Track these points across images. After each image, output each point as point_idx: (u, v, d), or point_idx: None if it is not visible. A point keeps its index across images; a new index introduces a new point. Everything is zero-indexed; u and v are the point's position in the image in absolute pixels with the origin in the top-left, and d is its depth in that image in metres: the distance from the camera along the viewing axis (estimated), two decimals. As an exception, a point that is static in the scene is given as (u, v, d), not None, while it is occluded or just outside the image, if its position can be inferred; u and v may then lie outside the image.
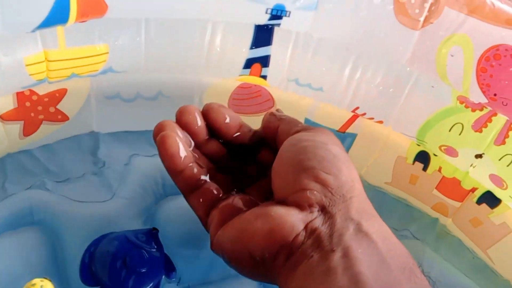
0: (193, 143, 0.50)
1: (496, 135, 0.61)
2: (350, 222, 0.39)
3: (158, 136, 0.46)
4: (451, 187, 0.68)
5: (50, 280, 0.56)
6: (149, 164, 0.65)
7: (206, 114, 0.51)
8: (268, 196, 0.47)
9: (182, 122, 0.49)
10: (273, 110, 0.54)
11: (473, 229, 0.68)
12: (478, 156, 0.63)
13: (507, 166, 0.62)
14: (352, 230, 0.39)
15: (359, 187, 0.43)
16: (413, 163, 0.68)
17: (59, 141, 0.64)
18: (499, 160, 0.62)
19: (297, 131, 0.47)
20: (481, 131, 0.62)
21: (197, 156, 0.50)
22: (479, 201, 0.67)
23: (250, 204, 0.45)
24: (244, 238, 0.41)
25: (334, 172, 0.42)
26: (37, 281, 0.55)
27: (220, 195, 0.47)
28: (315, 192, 0.41)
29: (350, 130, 0.68)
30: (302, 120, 0.70)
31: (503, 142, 0.61)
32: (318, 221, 0.40)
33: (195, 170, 0.48)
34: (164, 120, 0.48)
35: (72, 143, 0.64)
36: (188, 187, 0.47)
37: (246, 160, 0.52)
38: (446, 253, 0.69)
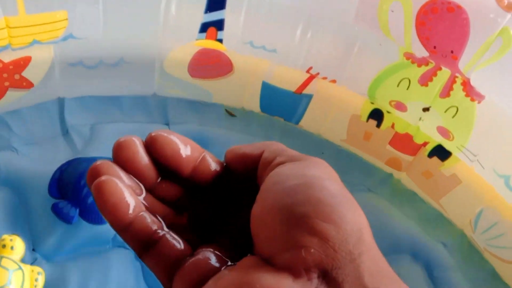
0: (143, 188, 0.38)
1: (441, 88, 0.64)
2: None
3: (93, 183, 0.35)
4: (404, 142, 0.71)
5: (19, 235, 0.59)
6: (112, 128, 0.69)
7: (151, 147, 0.38)
8: (246, 246, 0.37)
9: (121, 160, 0.37)
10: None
11: (425, 181, 0.71)
12: (426, 109, 0.66)
13: (452, 117, 0.65)
14: None
15: (369, 237, 0.32)
16: (367, 121, 0.71)
17: (27, 107, 0.67)
18: (445, 112, 0.65)
19: (281, 163, 0.36)
20: (427, 85, 0.65)
21: (147, 203, 0.38)
22: (431, 154, 0.70)
23: (224, 261, 0.36)
24: None
25: (335, 220, 0.31)
26: (6, 236, 0.58)
27: (184, 250, 0.36)
28: (312, 250, 0.30)
29: (306, 91, 0.72)
30: (259, 84, 0.74)
31: (448, 95, 0.64)
32: None
33: (148, 220, 0.36)
34: (99, 160, 0.36)
35: (39, 108, 0.67)
36: (141, 245, 0.36)
37: (213, 200, 0.41)
38: (401, 205, 0.72)
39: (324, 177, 0.34)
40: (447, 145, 0.68)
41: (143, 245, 0.36)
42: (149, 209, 0.38)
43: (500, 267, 0.67)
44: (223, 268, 0.34)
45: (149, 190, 0.39)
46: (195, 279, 0.34)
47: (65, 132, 0.67)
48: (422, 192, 0.72)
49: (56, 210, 0.63)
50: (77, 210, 0.62)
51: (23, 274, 0.57)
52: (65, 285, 0.61)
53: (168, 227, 0.38)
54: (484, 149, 0.66)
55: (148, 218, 0.36)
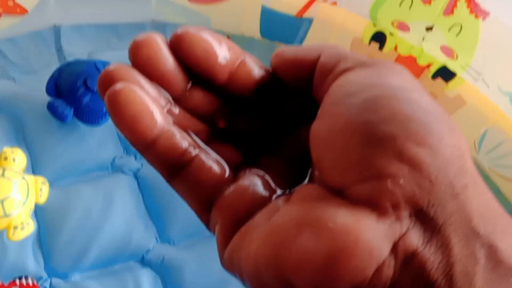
0: (169, 98, 0.31)
1: (444, 6, 0.63)
2: (475, 244, 0.23)
3: (107, 92, 0.28)
4: (407, 64, 0.70)
5: (19, 148, 0.59)
6: (110, 55, 0.68)
7: (177, 47, 0.30)
8: (301, 169, 0.30)
9: (140, 63, 0.30)
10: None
11: (429, 103, 0.70)
12: (429, 28, 0.65)
13: (456, 36, 0.64)
14: (485, 263, 0.23)
15: (472, 166, 0.25)
16: (369, 44, 0.70)
17: (22, 36, 0.66)
18: (449, 30, 0.64)
19: (347, 69, 0.28)
20: (430, 3, 0.63)
21: (174, 115, 0.31)
22: (434, 76, 0.69)
23: (275, 189, 0.29)
24: (282, 263, 0.25)
25: (431, 143, 0.24)
26: (6, 149, 0.58)
27: (223, 173, 0.30)
28: (401, 181, 0.23)
29: (306, 15, 0.70)
30: (258, 8, 0.72)
31: (451, 12, 0.63)
32: (415, 238, 0.23)
33: (177, 137, 0.29)
34: (113, 64, 0.29)
35: (34, 37, 0.66)
36: (169, 167, 0.29)
37: (256, 115, 0.33)
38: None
39: (409, 88, 0.26)
40: (451, 65, 0.67)
41: (172, 167, 0.29)
42: (177, 123, 0.30)
43: (506, 187, 0.67)
44: (273, 197, 0.28)
45: (176, 100, 0.31)
46: (240, 211, 0.28)
47: (63, 60, 0.66)
48: (425, 114, 0.71)
49: (51, 108, 0.63)
50: (72, 109, 0.62)
51: (28, 184, 0.57)
52: (65, 209, 0.61)
53: (202, 144, 0.31)
54: (488, 67, 0.65)
55: (177, 134, 0.29)
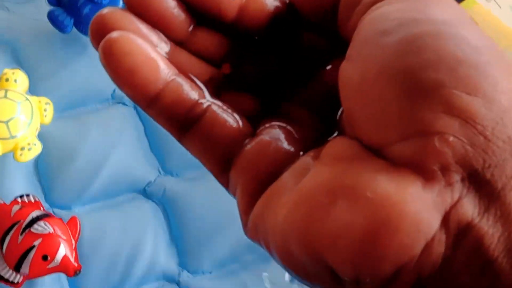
0: (168, 43, 0.27)
1: None
2: None
3: (101, 43, 0.25)
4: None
5: (20, 69, 0.59)
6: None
7: None
8: (328, 117, 0.26)
9: (135, 3, 0.26)
10: None
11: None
12: None
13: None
14: None
15: None
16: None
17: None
18: None
19: (379, 0, 0.23)
20: None
21: (179, 61, 0.27)
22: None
23: (301, 143, 0.25)
24: (314, 238, 0.21)
25: (485, 90, 0.20)
26: (7, 70, 0.57)
27: (240, 127, 0.26)
28: (451, 138, 0.19)
29: None
30: None
31: None
32: (469, 207, 0.19)
33: (184, 87, 0.26)
34: (106, 9, 0.26)
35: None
36: (178, 123, 0.26)
37: (273, 56, 0.28)
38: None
39: (456, 22, 0.21)
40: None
41: (181, 123, 0.25)
42: (183, 72, 0.26)
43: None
44: (301, 153, 0.24)
45: (179, 44, 0.27)
46: (263, 169, 0.24)
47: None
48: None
49: (51, 18, 0.62)
50: (72, 19, 0.62)
51: (31, 104, 0.57)
52: (64, 140, 0.61)
53: (213, 94, 0.27)
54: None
55: (184, 84, 0.26)
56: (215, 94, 0.27)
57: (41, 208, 0.57)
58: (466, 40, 0.20)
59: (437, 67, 0.20)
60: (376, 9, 0.23)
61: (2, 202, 0.56)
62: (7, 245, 0.53)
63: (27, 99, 0.57)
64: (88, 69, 0.64)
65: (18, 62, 0.63)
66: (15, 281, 0.53)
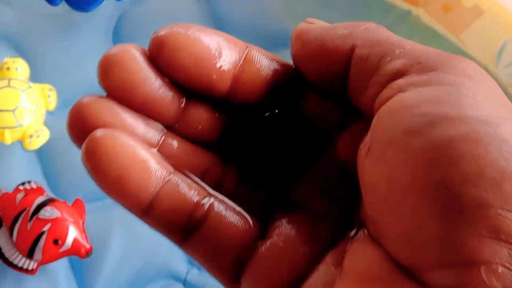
0: (158, 129, 0.24)
1: None
2: None
3: (84, 144, 0.22)
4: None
5: (21, 58, 0.58)
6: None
7: (159, 57, 0.23)
8: (344, 200, 0.24)
9: (116, 89, 0.23)
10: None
11: (445, 15, 0.68)
12: None
13: None
14: None
15: None
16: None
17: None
18: None
19: (402, 74, 0.20)
20: None
21: (171, 151, 0.24)
22: (450, -14, 0.67)
23: (318, 241, 0.22)
24: None
25: None
26: (7, 59, 0.57)
27: (249, 227, 0.23)
28: (500, 269, 0.17)
29: None
30: None
31: None
32: None
33: (182, 190, 0.23)
34: (85, 97, 0.23)
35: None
36: (179, 228, 0.23)
37: (277, 132, 0.25)
38: (420, 43, 0.70)
39: (497, 119, 0.18)
40: (468, -27, 0.65)
41: (182, 228, 0.22)
42: (178, 164, 0.23)
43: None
44: (321, 255, 0.22)
45: (170, 127, 0.24)
46: (280, 281, 0.21)
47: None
48: (442, 27, 0.69)
49: None
50: None
51: (35, 92, 0.57)
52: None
53: (214, 186, 0.23)
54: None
55: (181, 182, 0.23)
56: (215, 187, 0.23)
57: (44, 193, 0.57)
58: (510, 144, 0.17)
59: (478, 182, 0.17)
60: (398, 92, 0.20)
61: (5, 192, 0.56)
62: (17, 234, 0.54)
63: (30, 86, 0.57)
64: (92, 57, 0.63)
65: (19, 51, 0.63)
66: (29, 268, 0.54)
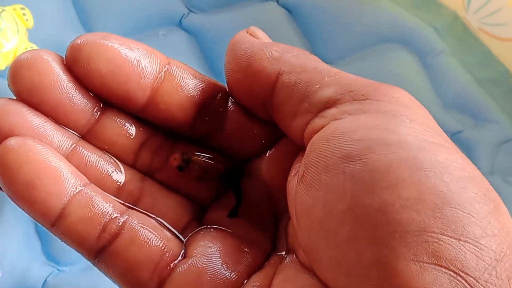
0: (70, 138, 0.23)
1: None
2: None
3: None
4: None
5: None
6: None
7: (75, 64, 0.22)
8: (268, 223, 0.23)
9: (23, 91, 0.22)
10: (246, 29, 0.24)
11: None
12: None
13: None
14: None
15: None
16: None
17: None
18: None
19: (333, 104, 0.20)
20: None
21: (83, 160, 0.23)
22: None
23: (240, 263, 0.22)
24: None
25: (474, 235, 0.17)
26: None
27: (168, 245, 0.22)
28: None
29: None
30: None
31: None
32: None
33: (95, 201, 0.22)
34: None
35: None
36: (90, 243, 0.22)
37: (198, 143, 0.25)
38: None
39: (435, 146, 0.18)
40: None
41: (94, 243, 0.21)
42: (91, 174, 0.22)
43: (496, 46, 0.66)
44: (244, 282, 0.21)
45: (85, 135, 0.23)
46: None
47: None
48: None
49: None
50: None
51: (10, 13, 0.55)
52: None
53: (130, 202, 0.23)
54: None
55: (94, 195, 0.22)
56: (132, 201, 0.22)
57: None
58: (449, 171, 0.17)
59: (419, 207, 0.17)
60: (333, 119, 0.19)
61: None
62: None
63: (3, 9, 0.55)
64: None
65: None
66: None
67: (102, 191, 0.22)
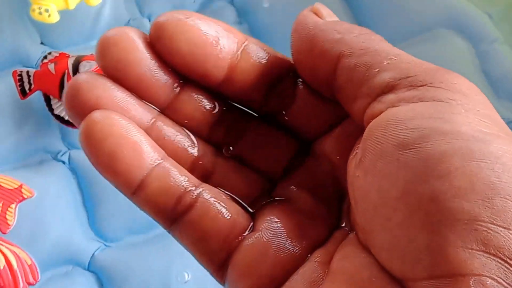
0: (150, 112, 0.24)
1: None
2: None
3: (81, 126, 0.22)
4: None
5: None
6: None
7: (158, 41, 0.23)
8: (331, 201, 0.24)
9: (110, 66, 0.23)
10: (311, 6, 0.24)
11: None
12: None
13: None
14: None
15: None
16: None
17: None
18: None
19: (392, 89, 0.20)
20: None
21: (163, 134, 0.24)
22: None
23: (305, 237, 0.23)
24: None
25: None
26: None
27: (236, 220, 0.23)
28: (488, 281, 0.17)
29: None
30: None
31: None
32: None
33: (171, 174, 0.23)
34: (82, 74, 0.23)
35: None
36: (166, 212, 0.23)
37: (270, 121, 0.25)
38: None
39: (489, 135, 0.18)
40: None
41: (170, 212, 0.23)
42: (169, 149, 0.23)
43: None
44: (308, 254, 0.22)
45: (164, 110, 0.24)
46: (264, 275, 0.22)
47: None
48: None
49: None
50: None
51: None
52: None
53: (203, 176, 0.24)
54: None
55: (171, 168, 0.23)
56: (204, 176, 0.24)
57: (70, 56, 0.58)
58: (501, 161, 0.18)
59: (470, 197, 0.17)
60: (390, 106, 0.20)
61: (35, 70, 0.58)
62: None
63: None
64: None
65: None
66: None
67: (178, 164, 0.23)
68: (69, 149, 0.59)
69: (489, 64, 0.63)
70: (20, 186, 0.55)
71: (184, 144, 0.24)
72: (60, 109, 0.57)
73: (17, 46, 0.62)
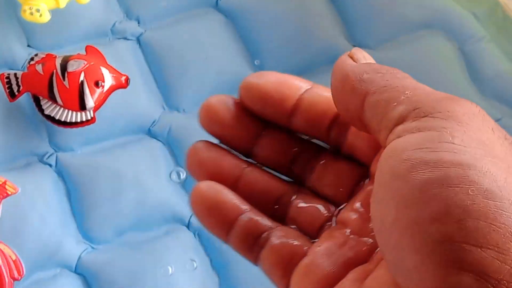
0: (242, 158, 0.30)
1: None
2: None
3: (193, 190, 0.29)
4: None
5: None
6: None
7: (246, 100, 0.29)
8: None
9: (215, 130, 0.29)
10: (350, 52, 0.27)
11: None
12: None
13: None
14: None
15: None
16: None
17: None
18: None
19: (401, 120, 0.23)
20: None
21: (250, 182, 0.29)
22: None
23: (356, 245, 0.26)
24: None
25: (496, 242, 0.19)
26: None
27: (302, 242, 0.28)
28: None
29: None
30: None
31: None
32: None
33: (255, 220, 0.28)
34: (198, 143, 0.30)
35: None
36: (248, 247, 0.28)
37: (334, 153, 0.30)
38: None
39: (470, 157, 0.20)
40: None
41: (250, 247, 0.28)
42: (253, 187, 0.29)
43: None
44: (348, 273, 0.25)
45: (249, 151, 0.29)
46: (320, 284, 0.25)
47: None
48: None
49: None
50: None
51: None
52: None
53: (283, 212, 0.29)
54: None
55: (255, 216, 0.28)
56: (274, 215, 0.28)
57: (57, 56, 0.58)
58: (477, 185, 0.19)
59: (445, 220, 0.19)
60: (396, 136, 0.22)
61: (22, 72, 0.58)
62: (60, 96, 0.57)
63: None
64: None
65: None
66: (89, 118, 0.57)
67: (260, 213, 0.28)
68: (55, 151, 0.59)
69: (475, 63, 0.63)
70: (4, 183, 0.55)
71: (266, 187, 0.29)
72: (50, 109, 0.57)
73: (3, 49, 0.61)
